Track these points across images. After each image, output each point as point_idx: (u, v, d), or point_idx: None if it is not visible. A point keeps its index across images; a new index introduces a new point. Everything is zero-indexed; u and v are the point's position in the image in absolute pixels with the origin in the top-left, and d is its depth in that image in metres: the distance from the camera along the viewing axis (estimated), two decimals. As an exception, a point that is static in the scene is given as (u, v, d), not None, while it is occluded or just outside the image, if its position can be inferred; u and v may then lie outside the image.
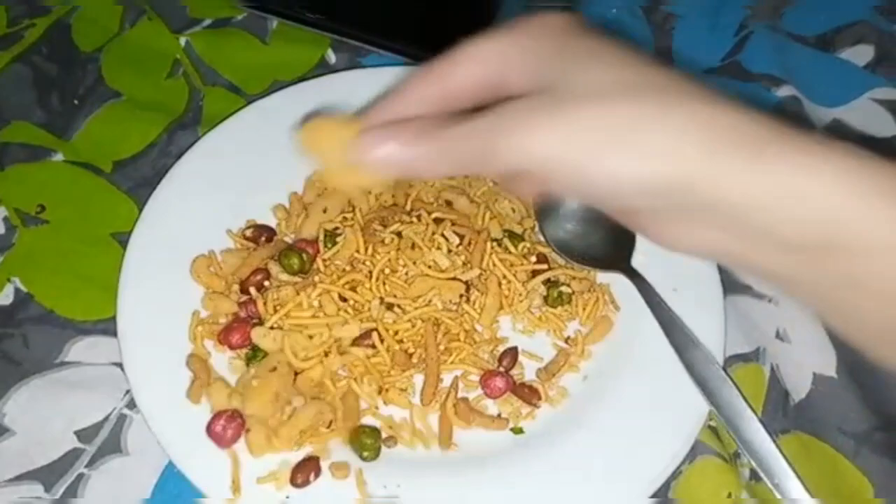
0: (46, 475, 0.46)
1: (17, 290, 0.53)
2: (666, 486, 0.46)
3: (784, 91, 0.66)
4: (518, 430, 0.48)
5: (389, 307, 0.50)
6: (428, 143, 0.30)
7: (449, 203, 0.55)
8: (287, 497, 0.43)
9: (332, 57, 0.66)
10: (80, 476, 0.46)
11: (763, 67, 0.68)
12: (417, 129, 0.30)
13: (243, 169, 0.56)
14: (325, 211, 0.53)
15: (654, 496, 0.45)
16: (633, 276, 0.51)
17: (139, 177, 0.59)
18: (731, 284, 0.54)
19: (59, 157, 0.59)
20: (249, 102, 0.60)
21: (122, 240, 0.54)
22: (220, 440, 0.44)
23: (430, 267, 0.50)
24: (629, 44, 0.30)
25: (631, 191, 0.27)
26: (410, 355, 0.49)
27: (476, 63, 0.31)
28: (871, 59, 0.68)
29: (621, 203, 0.30)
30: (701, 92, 0.27)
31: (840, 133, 0.65)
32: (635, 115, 0.27)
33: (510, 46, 0.30)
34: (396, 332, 0.49)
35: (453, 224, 0.52)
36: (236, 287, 0.50)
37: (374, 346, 0.48)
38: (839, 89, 0.68)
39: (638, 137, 0.26)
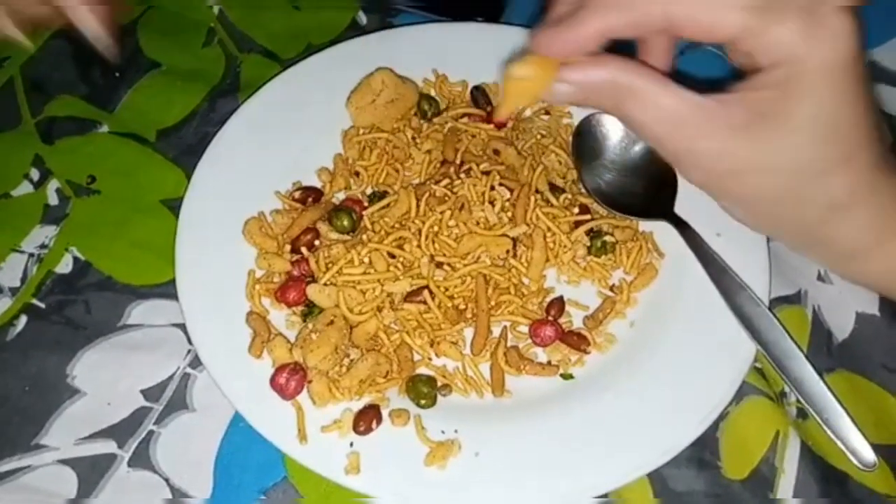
0: (118, 433, 0.48)
1: (75, 259, 0.55)
2: (714, 426, 0.47)
3: (819, 34, 0.66)
4: (568, 376, 0.50)
5: (439, 265, 0.51)
6: None
7: (497, 152, 0.55)
8: (351, 444, 0.45)
9: (363, 18, 0.67)
10: (151, 433, 0.48)
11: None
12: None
13: (284, 133, 0.57)
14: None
15: (702, 437, 0.46)
16: (677, 222, 0.51)
17: (183, 144, 0.60)
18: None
19: (104, 128, 0.61)
20: (285, 67, 0.61)
21: (172, 206, 0.56)
22: (284, 392, 0.45)
23: (477, 224, 0.51)
24: None
25: None
26: (462, 311, 0.50)
27: None
28: (907, -3, 0.67)
29: None
30: None
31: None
32: None
33: None
34: (447, 289, 0.50)
35: (501, 176, 0.53)
36: (287, 247, 0.52)
37: (426, 303, 0.49)
38: (874, 30, 0.67)
39: None
